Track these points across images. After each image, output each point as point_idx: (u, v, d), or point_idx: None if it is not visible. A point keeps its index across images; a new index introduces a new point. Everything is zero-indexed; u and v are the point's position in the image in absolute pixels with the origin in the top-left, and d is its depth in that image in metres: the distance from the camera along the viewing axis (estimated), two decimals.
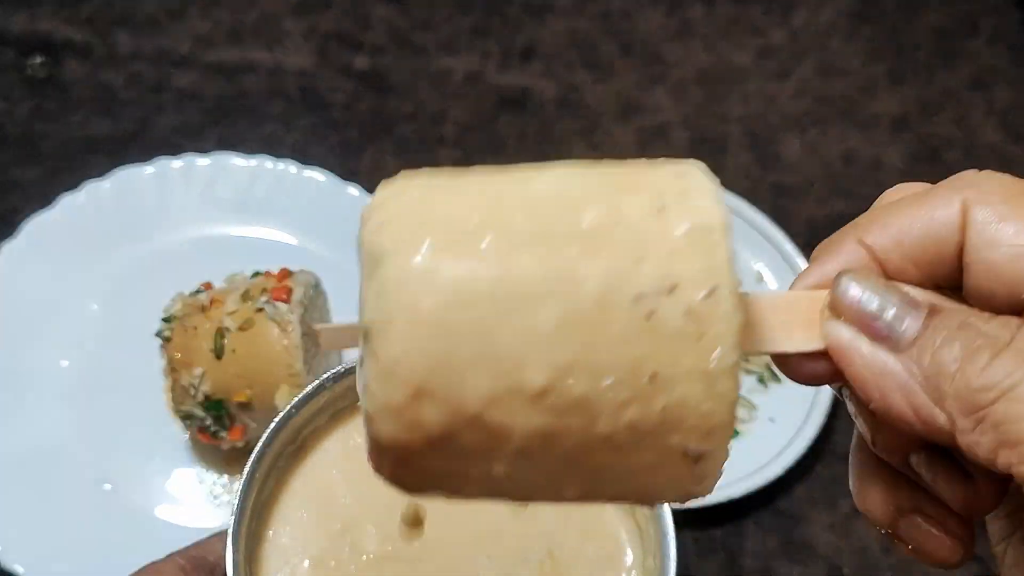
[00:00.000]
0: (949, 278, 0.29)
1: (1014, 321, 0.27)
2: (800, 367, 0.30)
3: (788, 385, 0.75)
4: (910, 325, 0.28)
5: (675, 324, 0.27)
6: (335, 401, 0.49)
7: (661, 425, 0.27)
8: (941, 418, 0.27)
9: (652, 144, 0.87)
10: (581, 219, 0.28)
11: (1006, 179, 0.31)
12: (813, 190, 0.85)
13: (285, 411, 0.47)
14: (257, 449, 0.46)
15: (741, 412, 0.74)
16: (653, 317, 0.27)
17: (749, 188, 0.85)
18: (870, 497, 0.33)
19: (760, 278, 0.78)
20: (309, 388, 0.47)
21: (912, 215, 0.30)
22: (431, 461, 0.28)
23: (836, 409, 0.73)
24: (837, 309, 0.29)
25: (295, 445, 0.48)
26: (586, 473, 0.28)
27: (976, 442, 0.27)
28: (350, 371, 0.48)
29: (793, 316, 0.30)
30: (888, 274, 0.31)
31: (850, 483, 0.34)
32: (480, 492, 0.29)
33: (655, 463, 0.28)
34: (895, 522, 0.34)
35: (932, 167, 0.87)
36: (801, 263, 0.77)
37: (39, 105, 0.84)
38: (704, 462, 0.28)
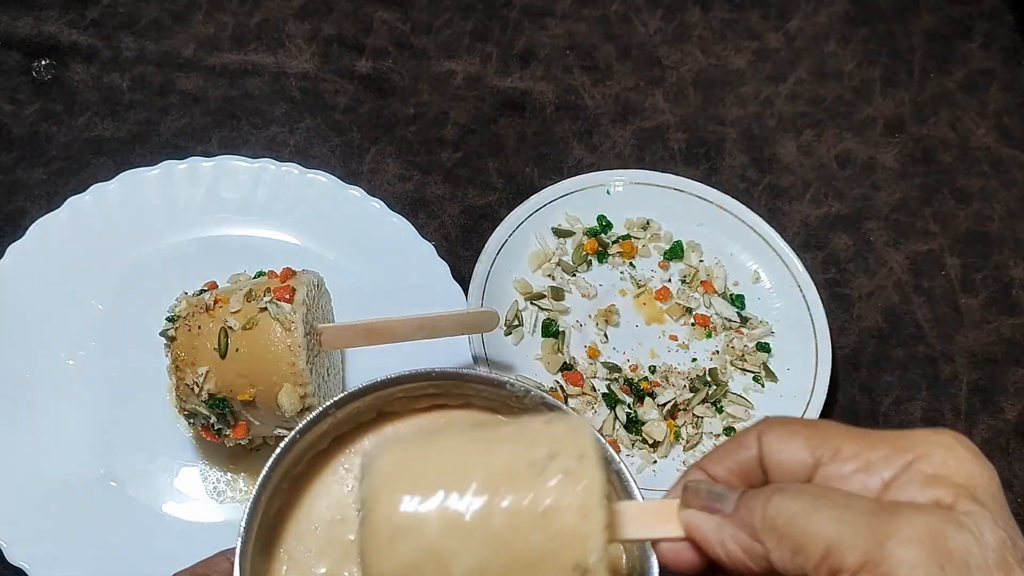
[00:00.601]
0: (758, 480, 0.43)
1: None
2: (671, 554, 0.43)
3: (784, 385, 0.75)
4: (732, 500, 0.42)
5: (558, 531, 0.39)
6: (338, 426, 0.51)
7: None
8: (759, 548, 0.40)
9: (650, 146, 0.87)
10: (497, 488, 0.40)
11: (787, 419, 0.44)
12: (808, 191, 0.86)
13: (290, 436, 0.49)
14: (263, 474, 0.48)
15: (739, 411, 0.74)
16: (543, 529, 0.40)
17: (745, 189, 0.85)
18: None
19: (757, 278, 0.79)
20: (313, 415, 0.50)
21: (731, 451, 0.44)
22: None
23: (829, 409, 0.74)
24: (688, 503, 0.42)
25: (300, 466, 0.51)
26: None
27: (780, 556, 0.39)
28: (351, 397, 0.50)
29: (659, 516, 0.43)
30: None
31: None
32: None
33: None
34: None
35: (926, 169, 0.88)
36: (796, 263, 0.78)
37: (45, 107, 0.85)
38: None
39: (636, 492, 0.47)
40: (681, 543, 0.42)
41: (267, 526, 0.49)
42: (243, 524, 0.47)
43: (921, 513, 0.39)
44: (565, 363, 0.76)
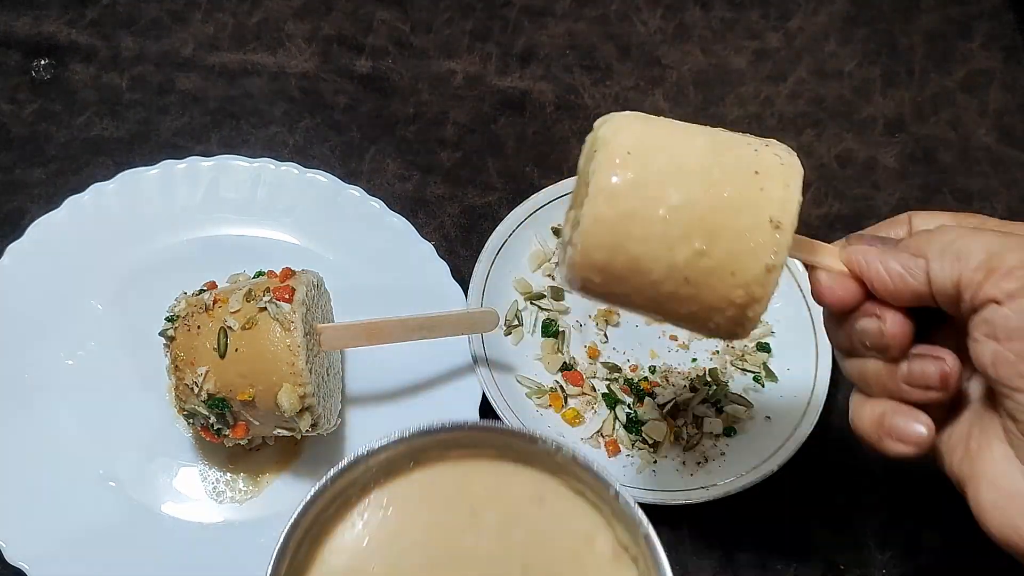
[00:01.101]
0: None
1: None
2: (828, 285, 0.48)
3: (784, 384, 0.75)
4: (897, 234, 0.48)
5: (764, 189, 0.48)
6: (369, 473, 0.53)
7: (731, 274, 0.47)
8: (921, 262, 0.44)
9: None
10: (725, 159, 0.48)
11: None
12: (808, 191, 0.86)
13: (320, 483, 0.51)
14: (291, 521, 0.50)
15: (738, 411, 0.74)
16: (753, 184, 0.48)
17: None
18: (861, 418, 0.48)
19: None
20: (345, 462, 0.51)
21: (883, 228, 0.50)
22: (606, 280, 0.47)
23: (831, 407, 0.74)
24: (852, 242, 0.48)
25: (328, 513, 0.52)
26: (691, 293, 0.47)
27: (941, 266, 0.43)
28: (385, 446, 0.52)
29: (826, 252, 0.50)
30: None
31: (849, 416, 0.49)
32: (628, 304, 0.49)
33: (717, 301, 0.47)
34: (879, 430, 0.47)
35: (926, 168, 0.88)
36: (797, 263, 0.78)
37: (44, 107, 0.85)
38: (750, 307, 0.47)
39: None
40: (839, 274, 0.48)
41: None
42: (269, 572, 0.47)
43: None
44: (565, 363, 0.76)
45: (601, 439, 0.73)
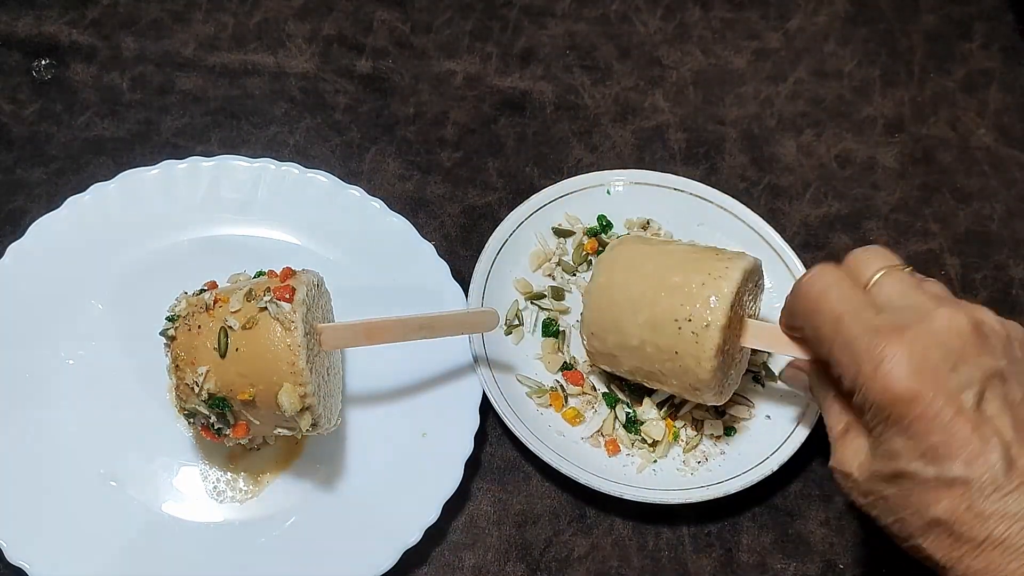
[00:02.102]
0: None
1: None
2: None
3: (784, 384, 0.76)
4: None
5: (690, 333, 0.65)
6: None
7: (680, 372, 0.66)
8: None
9: (650, 146, 0.87)
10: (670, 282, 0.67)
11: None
12: (808, 191, 0.86)
13: None
14: None
15: (740, 411, 0.74)
16: (682, 330, 0.65)
17: (745, 189, 0.85)
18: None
19: None
20: None
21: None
22: (600, 357, 0.71)
23: None
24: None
25: None
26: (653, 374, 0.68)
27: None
28: None
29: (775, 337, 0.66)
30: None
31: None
32: (620, 371, 0.71)
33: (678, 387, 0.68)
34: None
35: (926, 168, 0.88)
36: (796, 263, 0.78)
37: (45, 107, 0.85)
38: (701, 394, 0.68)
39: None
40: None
41: None
42: None
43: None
44: (565, 363, 0.76)
45: (601, 438, 0.73)
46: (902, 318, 0.52)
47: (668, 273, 0.66)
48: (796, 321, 0.59)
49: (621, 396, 0.75)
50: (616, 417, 0.74)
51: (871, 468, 0.53)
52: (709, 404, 0.71)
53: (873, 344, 0.51)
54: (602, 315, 0.68)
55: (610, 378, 0.75)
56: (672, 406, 0.74)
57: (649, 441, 0.73)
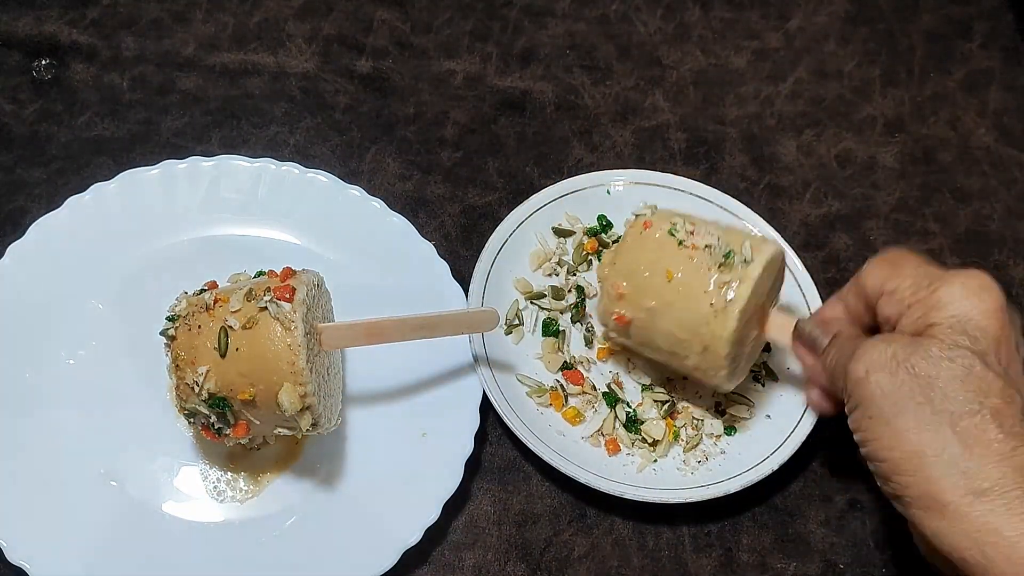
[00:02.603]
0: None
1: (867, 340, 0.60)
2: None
3: (785, 383, 0.76)
4: (823, 341, 0.65)
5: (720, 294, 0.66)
6: None
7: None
8: (827, 379, 0.64)
9: (650, 146, 0.87)
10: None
11: (889, 253, 0.65)
12: (808, 191, 0.86)
13: None
14: None
15: (740, 411, 0.74)
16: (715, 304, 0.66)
17: (745, 189, 0.86)
18: (817, 405, 0.69)
19: None
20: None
21: (853, 282, 0.66)
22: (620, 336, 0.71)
23: None
24: (798, 336, 0.67)
25: None
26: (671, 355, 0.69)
27: (840, 388, 0.61)
28: None
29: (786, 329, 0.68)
30: (851, 311, 0.66)
31: (808, 400, 0.71)
32: (637, 340, 0.71)
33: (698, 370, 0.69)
34: (832, 409, 0.68)
35: (926, 169, 0.88)
36: (797, 262, 0.78)
37: (45, 107, 0.85)
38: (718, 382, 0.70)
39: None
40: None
41: None
42: None
43: (889, 339, 0.58)
44: (566, 362, 0.76)
45: (601, 438, 0.73)
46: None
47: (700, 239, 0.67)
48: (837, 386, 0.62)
49: (621, 395, 0.75)
50: (616, 416, 0.74)
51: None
52: (719, 385, 0.69)
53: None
54: (634, 268, 0.68)
55: (612, 376, 0.76)
56: (672, 405, 0.74)
57: (649, 441, 0.73)
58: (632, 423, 0.73)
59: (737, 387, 0.75)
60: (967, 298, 0.57)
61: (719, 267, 0.65)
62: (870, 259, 0.64)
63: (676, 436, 0.73)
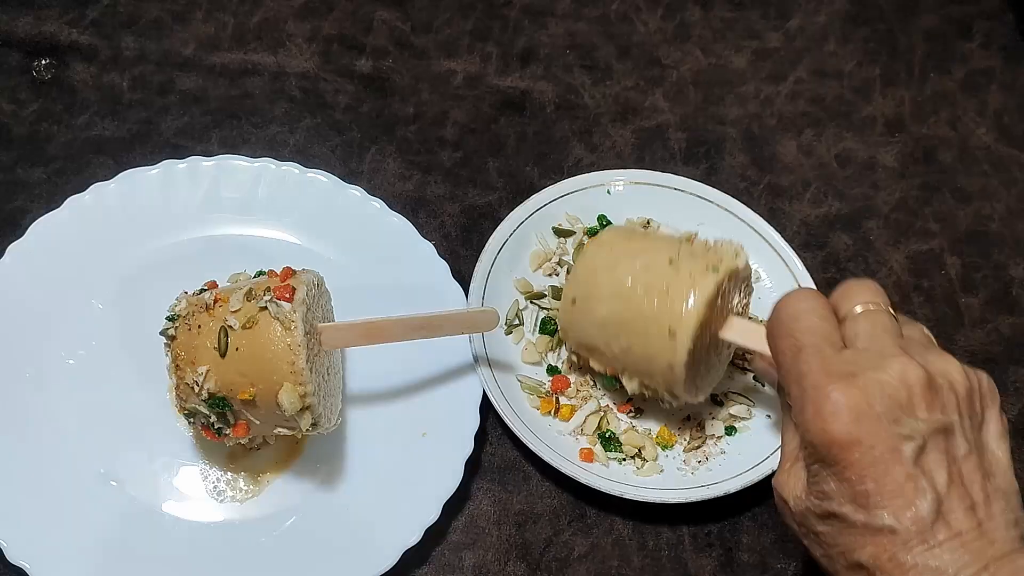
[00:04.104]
0: None
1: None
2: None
3: (754, 373, 0.76)
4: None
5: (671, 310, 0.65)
6: None
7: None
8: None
9: (650, 146, 0.87)
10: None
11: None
12: (808, 191, 0.86)
13: None
14: None
15: (741, 410, 0.74)
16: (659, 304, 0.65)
17: (745, 189, 0.86)
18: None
19: (757, 277, 0.79)
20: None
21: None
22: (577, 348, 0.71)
23: None
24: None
25: None
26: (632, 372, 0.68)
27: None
28: None
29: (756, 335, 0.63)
30: None
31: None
32: (594, 352, 0.70)
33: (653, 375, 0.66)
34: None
35: (926, 168, 0.88)
36: (797, 262, 0.78)
37: (45, 107, 0.85)
38: (674, 389, 0.67)
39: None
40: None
41: None
42: None
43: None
44: (551, 366, 0.76)
45: (583, 437, 0.73)
46: (858, 363, 0.52)
47: (657, 256, 0.66)
48: (768, 339, 0.57)
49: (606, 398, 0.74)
50: (598, 429, 0.73)
51: (805, 503, 0.53)
52: (681, 399, 0.68)
53: (820, 384, 0.51)
54: (587, 282, 0.67)
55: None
56: (640, 412, 0.74)
57: (631, 453, 0.72)
58: (609, 441, 0.72)
59: (737, 387, 0.76)
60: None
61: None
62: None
63: (667, 446, 0.73)
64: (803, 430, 0.52)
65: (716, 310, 0.65)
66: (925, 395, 0.50)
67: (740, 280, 0.68)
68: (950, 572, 0.48)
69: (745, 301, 0.70)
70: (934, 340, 0.57)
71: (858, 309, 0.55)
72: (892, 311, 0.56)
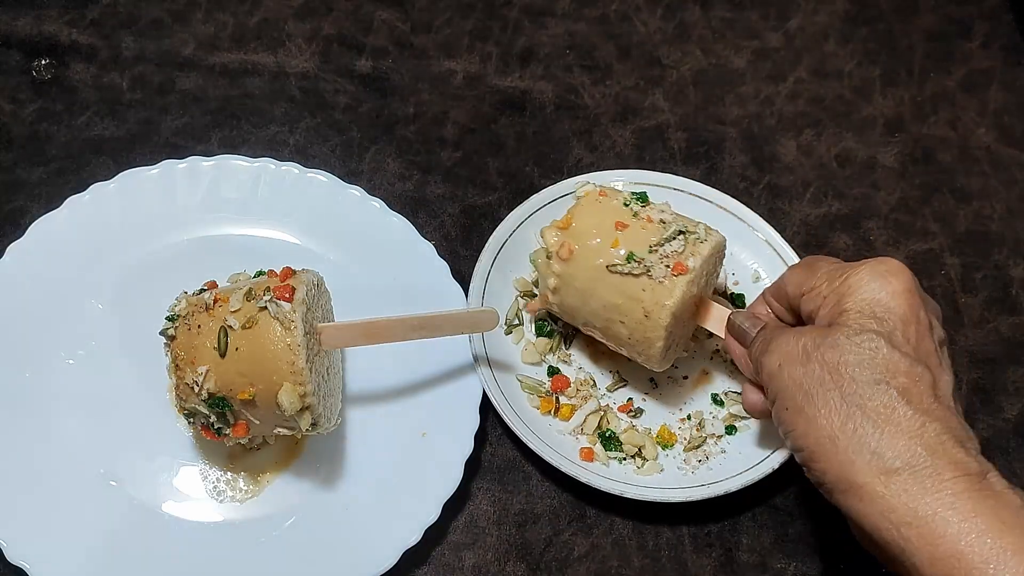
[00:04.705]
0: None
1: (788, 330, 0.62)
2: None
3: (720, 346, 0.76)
4: (751, 333, 0.66)
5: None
6: None
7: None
8: (753, 371, 0.65)
9: (650, 146, 0.87)
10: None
11: (804, 260, 0.68)
12: (808, 191, 0.86)
13: None
14: None
15: (740, 410, 0.74)
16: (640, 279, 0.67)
17: (745, 189, 0.86)
18: (752, 403, 0.67)
19: (757, 277, 0.79)
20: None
21: (776, 283, 0.68)
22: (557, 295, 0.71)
23: None
24: (729, 328, 0.68)
25: None
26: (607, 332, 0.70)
27: (759, 375, 0.63)
28: None
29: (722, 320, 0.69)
30: (775, 312, 0.68)
31: (743, 400, 0.69)
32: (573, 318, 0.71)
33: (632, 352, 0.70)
34: (764, 410, 0.65)
35: (926, 168, 0.88)
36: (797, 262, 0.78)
37: (45, 107, 0.85)
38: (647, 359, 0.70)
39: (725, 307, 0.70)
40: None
41: None
42: None
43: (800, 332, 0.60)
44: (552, 367, 0.76)
45: (583, 437, 0.73)
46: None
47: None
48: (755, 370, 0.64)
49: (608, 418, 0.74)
50: (598, 429, 0.73)
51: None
52: (651, 361, 0.69)
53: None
54: (584, 230, 0.69)
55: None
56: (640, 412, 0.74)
57: (632, 453, 0.72)
58: (609, 440, 0.72)
59: (737, 387, 0.75)
60: (874, 281, 0.59)
61: (670, 240, 0.66)
62: (789, 266, 0.68)
63: (667, 446, 0.73)
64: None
65: (700, 281, 0.68)
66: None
67: (719, 258, 0.71)
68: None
69: (716, 273, 0.72)
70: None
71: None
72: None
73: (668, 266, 0.66)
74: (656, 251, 0.66)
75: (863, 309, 0.58)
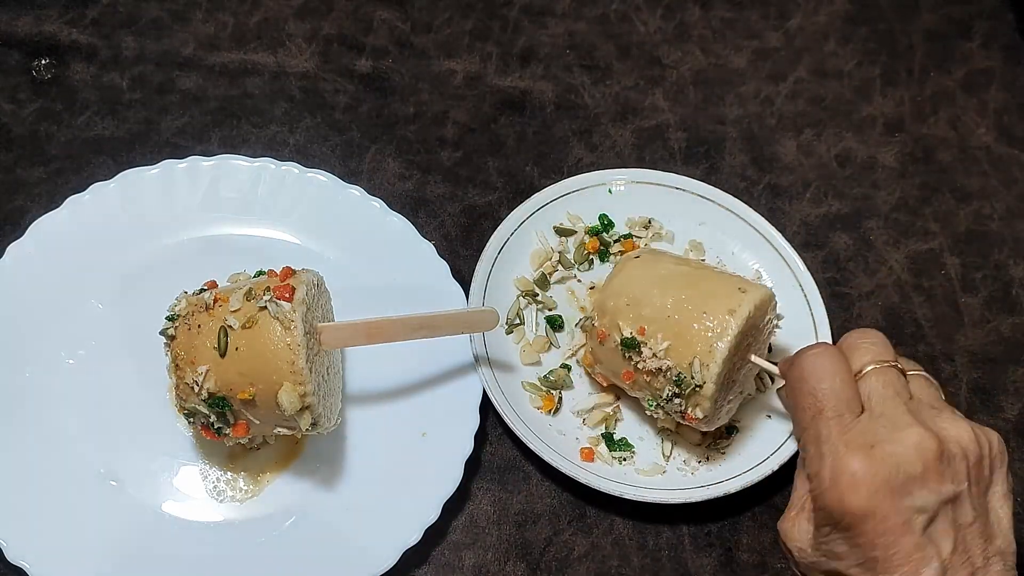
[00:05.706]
0: None
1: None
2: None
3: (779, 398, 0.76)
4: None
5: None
6: None
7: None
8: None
9: (650, 145, 0.87)
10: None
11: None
12: (808, 191, 0.86)
13: None
14: None
15: (740, 410, 0.74)
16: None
17: (745, 189, 0.85)
18: None
19: (758, 276, 0.79)
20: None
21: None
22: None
23: None
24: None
25: None
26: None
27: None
28: None
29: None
30: None
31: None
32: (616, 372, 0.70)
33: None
34: None
35: (926, 168, 0.88)
36: (798, 262, 0.78)
37: (45, 107, 0.85)
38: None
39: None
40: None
41: None
42: None
43: None
44: (564, 363, 0.76)
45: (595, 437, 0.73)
46: (875, 433, 0.54)
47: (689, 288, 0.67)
48: (787, 388, 0.61)
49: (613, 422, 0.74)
50: (604, 426, 0.73)
51: (812, 556, 0.56)
52: (700, 426, 0.68)
53: (839, 454, 0.54)
54: (624, 292, 0.68)
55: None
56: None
57: (634, 453, 0.72)
58: (613, 441, 0.72)
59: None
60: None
61: (671, 400, 0.67)
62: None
63: (667, 457, 0.73)
64: (818, 493, 0.55)
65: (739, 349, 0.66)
66: (937, 467, 0.53)
67: (763, 313, 0.68)
68: None
69: (768, 333, 0.71)
70: (940, 392, 0.60)
71: (869, 368, 0.58)
72: (898, 364, 0.59)
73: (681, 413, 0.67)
74: (664, 407, 0.67)
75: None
